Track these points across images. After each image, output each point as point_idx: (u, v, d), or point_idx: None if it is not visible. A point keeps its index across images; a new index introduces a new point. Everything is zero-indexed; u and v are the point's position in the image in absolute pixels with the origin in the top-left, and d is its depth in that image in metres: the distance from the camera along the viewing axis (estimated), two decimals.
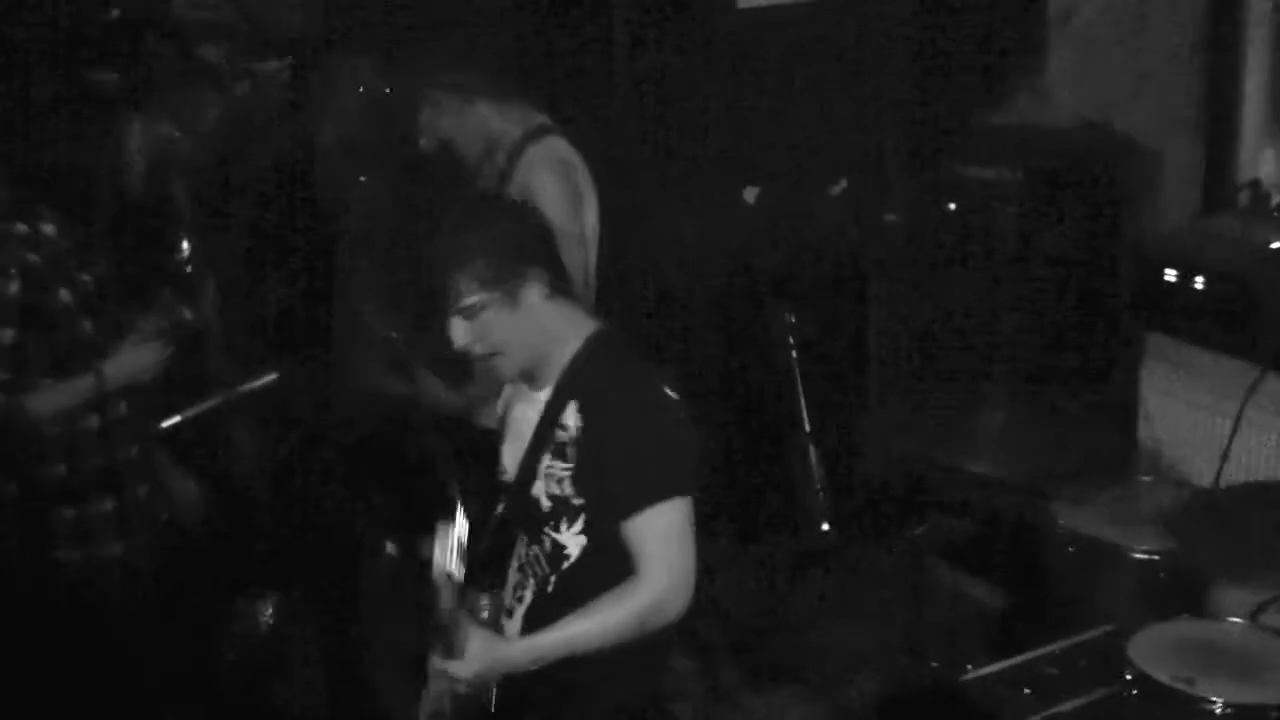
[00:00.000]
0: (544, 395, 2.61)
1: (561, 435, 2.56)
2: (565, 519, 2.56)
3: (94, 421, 3.12)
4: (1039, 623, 3.52)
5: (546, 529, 2.59)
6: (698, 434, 2.57)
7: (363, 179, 3.96)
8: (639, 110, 4.59)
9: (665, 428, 2.55)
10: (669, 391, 2.58)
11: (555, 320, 2.59)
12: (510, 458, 2.69)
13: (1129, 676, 2.95)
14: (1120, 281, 4.42)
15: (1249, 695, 2.85)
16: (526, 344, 2.57)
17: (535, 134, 3.54)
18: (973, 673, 3.17)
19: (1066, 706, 3.05)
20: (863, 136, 4.74)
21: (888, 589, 4.13)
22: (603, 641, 2.49)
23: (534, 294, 2.55)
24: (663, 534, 2.48)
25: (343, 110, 4.04)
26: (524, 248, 2.56)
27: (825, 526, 4.01)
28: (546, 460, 2.57)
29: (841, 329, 4.85)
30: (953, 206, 4.29)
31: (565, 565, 2.57)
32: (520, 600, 2.63)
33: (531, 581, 2.62)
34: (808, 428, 4.12)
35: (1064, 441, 3.91)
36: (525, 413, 2.66)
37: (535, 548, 2.62)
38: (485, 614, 2.60)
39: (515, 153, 3.52)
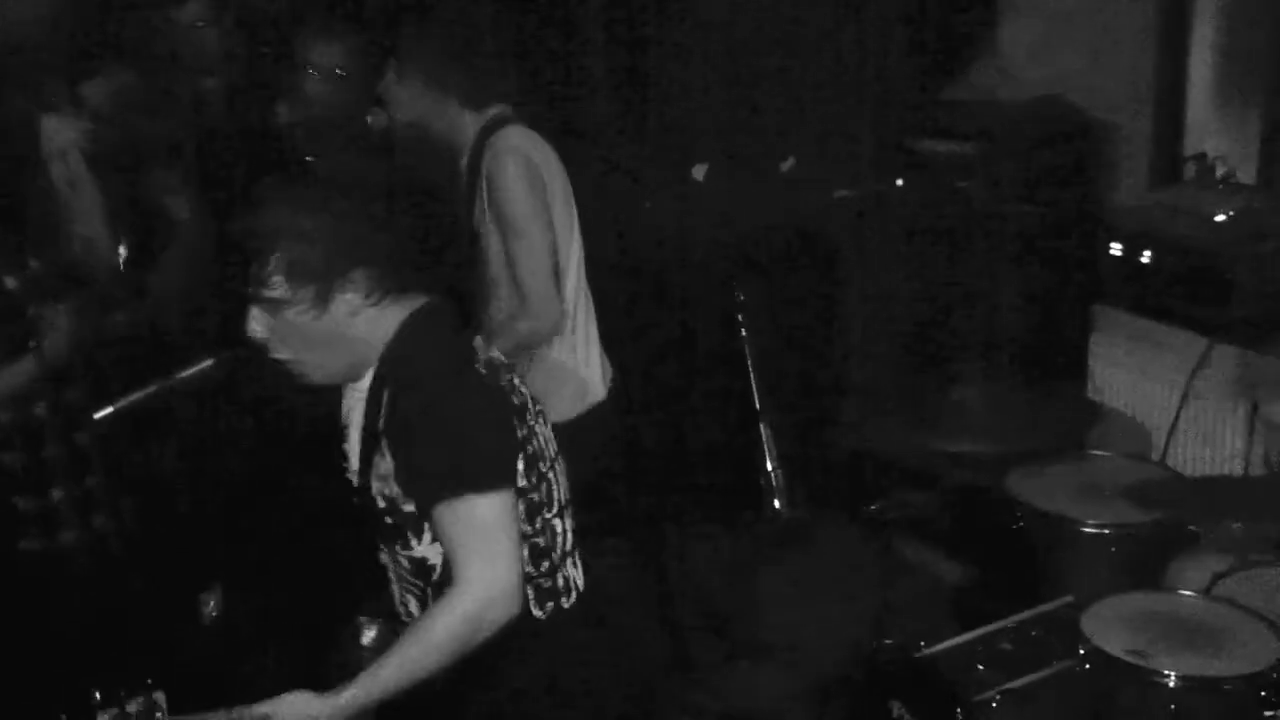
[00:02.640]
0: (365, 386, 2.42)
1: (380, 426, 2.37)
2: (410, 530, 2.39)
3: (43, 409, 3.09)
4: (998, 597, 3.52)
5: (398, 545, 2.43)
6: (511, 422, 2.39)
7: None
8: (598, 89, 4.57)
9: (468, 414, 2.34)
10: (483, 374, 2.40)
11: (370, 325, 2.38)
12: (352, 458, 2.49)
13: (1083, 650, 2.96)
14: (1073, 255, 4.45)
15: (1202, 667, 2.87)
16: (331, 354, 2.38)
17: (492, 126, 3.50)
18: (929, 648, 3.16)
19: (1021, 681, 3.05)
20: (816, 111, 4.72)
21: (849, 565, 4.12)
22: (437, 661, 2.30)
23: (350, 301, 2.35)
24: (471, 531, 2.29)
25: (297, 90, 3.98)
26: (353, 244, 2.34)
27: (778, 505, 4.01)
28: (375, 458, 2.38)
29: (796, 306, 4.85)
30: (899, 183, 4.29)
31: (435, 577, 2.41)
32: (411, 615, 2.47)
33: (411, 597, 2.47)
34: (758, 406, 4.12)
35: (1018, 415, 3.91)
36: (356, 411, 2.46)
37: (401, 559, 2.45)
38: (367, 640, 2.52)
39: (477, 148, 3.48)
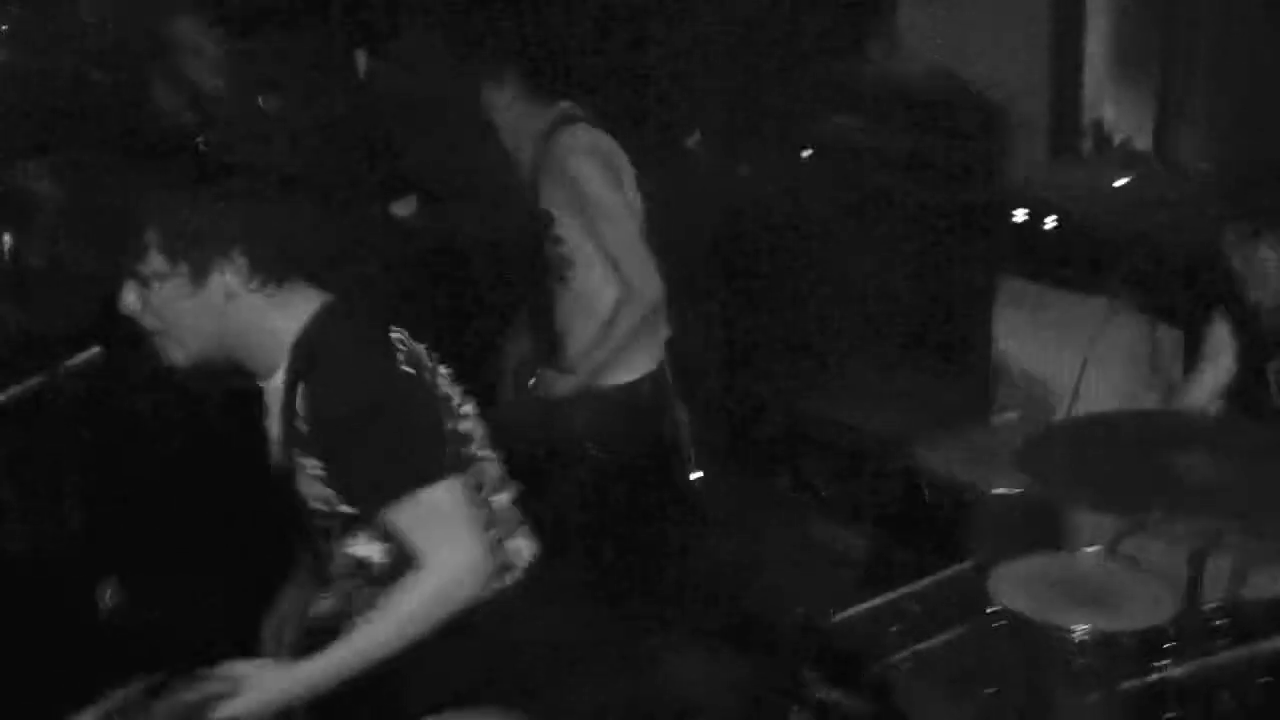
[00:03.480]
0: (279, 382, 2.37)
1: (301, 427, 2.32)
2: (349, 531, 2.38)
3: None
4: (906, 566, 3.56)
5: (335, 543, 2.41)
6: (436, 410, 2.38)
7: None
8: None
9: (399, 408, 2.31)
10: (404, 367, 2.35)
11: (257, 313, 2.33)
12: (275, 454, 2.46)
13: (989, 610, 3.00)
14: (974, 225, 4.51)
15: (1104, 623, 2.92)
16: (203, 332, 2.34)
17: (561, 122, 3.57)
18: (838, 615, 3.19)
19: (931, 642, 3.09)
20: (717, 86, 4.74)
21: (760, 538, 4.15)
22: (399, 641, 2.28)
23: (228, 282, 2.30)
24: (428, 521, 2.28)
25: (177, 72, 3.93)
26: (231, 223, 2.30)
27: (693, 476, 4.01)
28: (298, 457, 2.36)
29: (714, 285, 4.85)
30: (807, 153, 4.32)
31: (374, 573, 2.40)
32: (351, 605, 2.45)
33: (350, 590, 2.45)
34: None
35: (921, 385, 3.96)
36: (272, 406, 2.41)
37: (337, 557, 2.43)
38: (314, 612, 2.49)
39: (542, 143, 3.57)
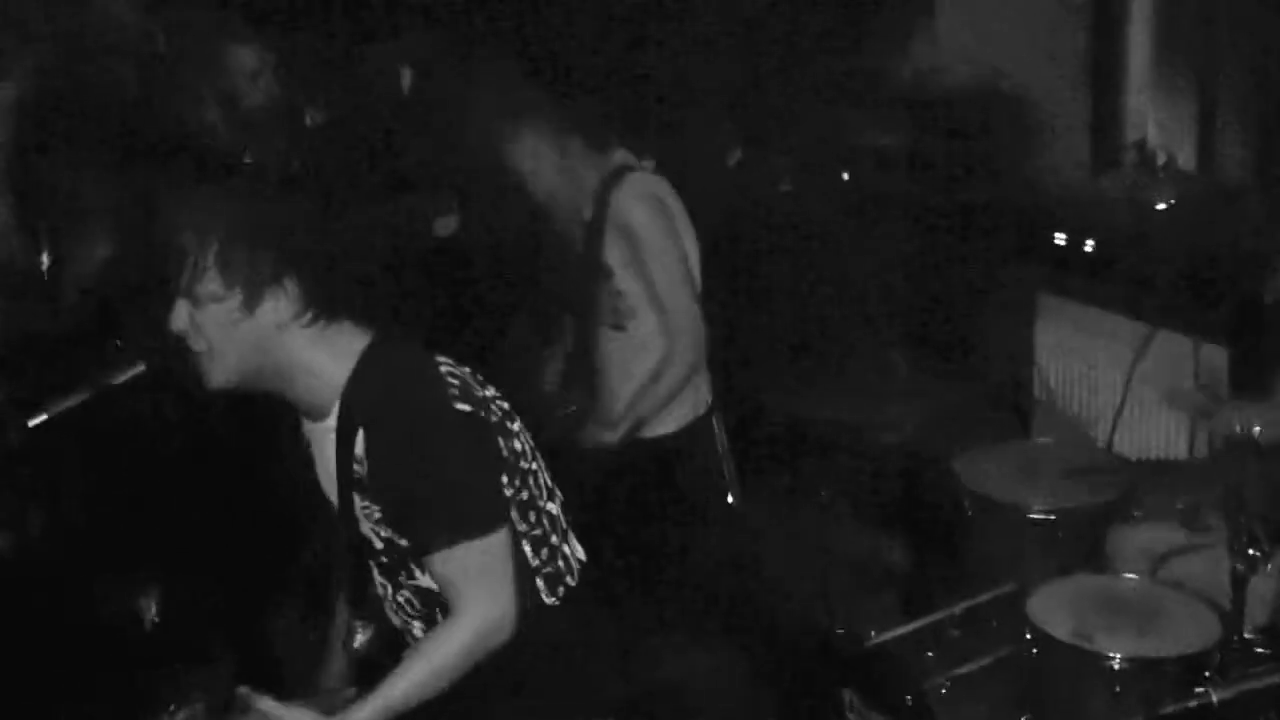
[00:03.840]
0: (331, 425, 2.39)
1: (359, 470, 2.35)
2: (413, 563, 2.40)
3: None
4: (944, 584, 3.55)
5: (401, 575, 2.44)
6: (496, 447, 2.40)
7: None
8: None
9: (455, 457, 2.33)
10: (460, 405, 2.36)
11: (304, 349, 2.35)
12: (329, 493, 2.48)
13: (1028, 635, 2.98)
14: (1014, 242, 4.49)
15: (1145, 648, 2.90)
16: (249, 360, 2.35)
17: (617, 174, 3.59)
18: (879, 636, 3.19)
19: (970, 666, 3.08)
20: (756, 102, 4.74)
21: (797, 549, 4.12)
22: (435, 688, 2.34)
23: (278, 312, 2.32)
24: (472, 571, 2.33)
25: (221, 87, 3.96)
26: (285, 254, 2.32)
27: (731, 499, 4.00)
28: (358, 500, 2.39)
29: (747, 296, 4.83)
30: (846, 176, 4.32)
31: (443, 601, 2.42)
32: (414, 637, 2.50)
33: (416, 623, 2.49)
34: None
35: (963, 403, 3.94)
36: (323, 447, 2.44)
37: (403, 592, 2.47)
38: (357, 644, 2.56)
39: (602, 197, 3.57)
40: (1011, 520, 3.48)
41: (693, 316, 3.58)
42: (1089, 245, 4.29)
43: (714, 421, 3.84)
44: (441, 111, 4.16)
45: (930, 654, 3.14)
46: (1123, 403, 4.09)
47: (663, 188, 3.64)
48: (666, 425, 3.67)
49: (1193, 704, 2.75)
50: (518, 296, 4.13)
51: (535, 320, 4.06)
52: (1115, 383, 4.17)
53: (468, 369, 2.48)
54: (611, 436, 3.62)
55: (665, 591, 3.41)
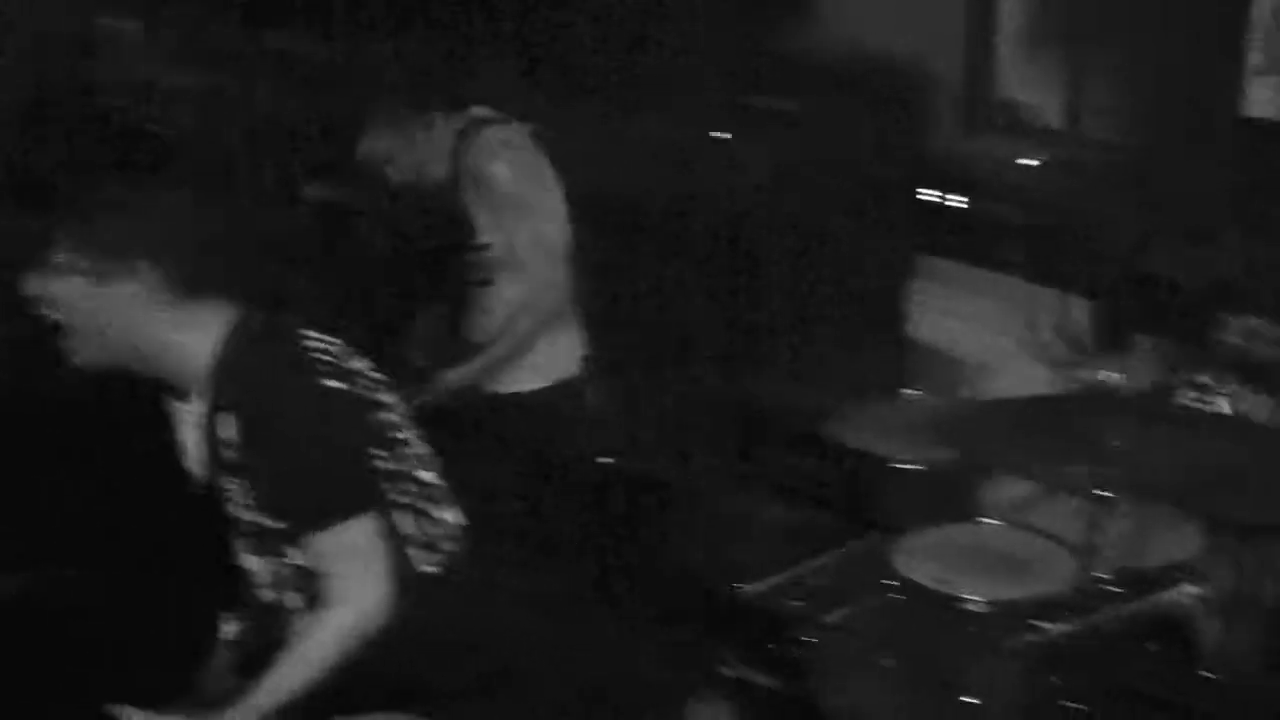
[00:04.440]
0: (196, 407, 2.37)
1: (228, 454, 2.32)
2: (284, 544, 2.38)
3: None
4: (817, 536, 3.57)
5: (273, 555, 2.41)
6: (368, 424, 2.38)
7: None
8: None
9: (327, 438, 2.32)
10: (328, 383, 2.34)
11: (167, 330, 2.32)
12: (197, 474, 2.45)
13: (893, 582, 3.02)
14: (891, 203, 4.54)
15: (1007, 592, 2.94)
16: (109, 337, 2.31)
17: (472, 128, 3.53)
18: (748, 587, 3.20)
19: (838, 615, 3.11)
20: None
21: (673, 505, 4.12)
22: (313, 677, 2.32)
23: (135, 289, 2.28)
24: (344, 553, 2.32)
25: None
26: (138, 237, 2.28)
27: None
28: (227, 481, 2.36)
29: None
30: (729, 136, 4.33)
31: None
32: (286, 610, 2.45)
33: (293, 594, 2.44)
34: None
35: (838, 359, 3.98)
36: (190, 427, 2.41)
37: (276, 568, 2.42)
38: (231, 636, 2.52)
39: (457, 151, 3.52)
40: (883, 472, 3.51)
41: (553, 268, 3.55)
42: (962, 203, 4.34)
43: (589, 383, 3.82)
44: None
45: (800, 603, 3.16)
46: (994, 356, 4.15)
47: (523, 139, 3.59)
48: (532, 381, 3.63)
49: (1047, 642, 2.83)
50: (397, 259, 4.09)
51: (418, 283, 4.02)
52: (988, 337, 4.23)
53: (339, 341, 2.45)
54: (453, 382, 3.56)
55: (536, 551, 3.39)
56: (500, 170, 3.50)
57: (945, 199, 4.39)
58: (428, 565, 2.49)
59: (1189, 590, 2.11)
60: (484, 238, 3.56)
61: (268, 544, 2.41)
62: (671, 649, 3.35)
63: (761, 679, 3.12)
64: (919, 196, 4.46)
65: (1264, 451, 2.85)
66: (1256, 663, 3.07)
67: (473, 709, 2.50)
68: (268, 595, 2.48)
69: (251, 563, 2.47)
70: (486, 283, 3.60)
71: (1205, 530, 3.11)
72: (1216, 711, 2.83)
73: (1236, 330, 3.25)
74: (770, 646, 3.09)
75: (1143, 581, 2.92)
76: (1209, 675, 3.02)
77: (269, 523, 2.37)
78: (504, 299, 3.58)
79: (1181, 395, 3.24)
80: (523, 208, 3.51)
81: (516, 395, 3.62)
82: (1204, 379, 3.30)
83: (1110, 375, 3.48)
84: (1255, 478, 2.77)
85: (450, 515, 2.56)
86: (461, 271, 3.62)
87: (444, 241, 3.59)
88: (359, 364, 2.46)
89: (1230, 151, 3.81)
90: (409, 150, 3.56)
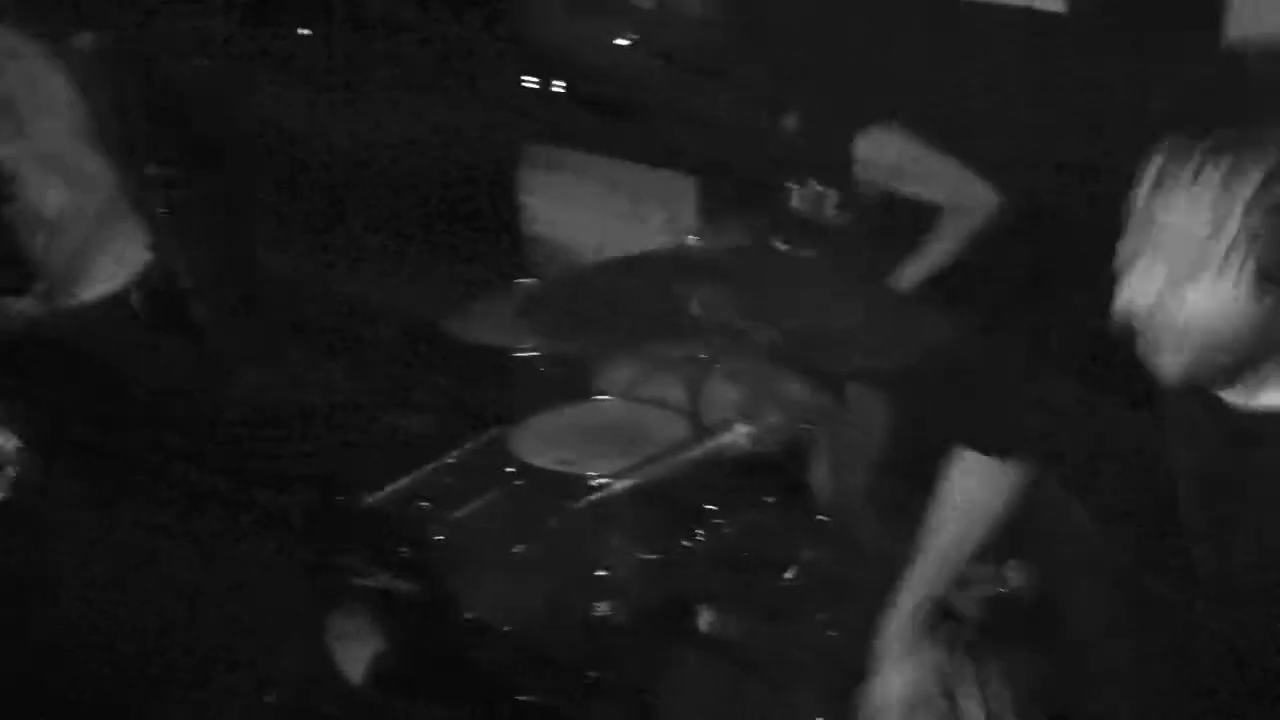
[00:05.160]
0: None
1: None
2: None
3: None
4: (441, 437, 3.53)
5: None
6: None
7: None
8: None
9: None
10: None
11: None
12: None
13: (513, 469, 3.03)
14: (489, 90, 4.47)
15: (625, 465, 3.00)
16: None
17: None
18: (372, 498, 3.15)
19: (464, 510, 3.10)
20: None
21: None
22: None
23: None
24: None
25: None
26: None
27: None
28: None
29: None
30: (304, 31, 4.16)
31: None
32: None
33: None
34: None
35: (451, 258, 3.93)
36: None
37: None
38: None
39: None
40: (500, 362, 3.50)
41: (91, 160, 3.30)
42: (561, 87, 4.33)
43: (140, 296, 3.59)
44: None
45: (426, 504, 3.13)
46: (605, 240, 4.18)
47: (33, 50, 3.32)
48: (85, 291, 3.34)
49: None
50: None
51: None
52: (603, 221, 4.26)
53: None
54: (26, 309, 3.27)
55: (118, 466, 3.20)
56: (10, 77, 3.20)
57: (549, 85, 4.36)
58: None
59: (741, 430, 2.20)
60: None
61: None
62: (303, 564, 3.27)
63: (398, 584, 3.08)
64: (523, 83, 4.41)
65: (844, 305, 2.99)
66: (867, 510, 3.25)
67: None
68: None
69: None
70: (7, 195, 3.33)
71: (812, 384, 3.26)
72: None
73: (800, 197, 3.39)
74: (402, 550, 3.04)
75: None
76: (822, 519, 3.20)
77: None
78: (48, 207, 3.33)
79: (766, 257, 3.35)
80: (30, 112, 3.24)
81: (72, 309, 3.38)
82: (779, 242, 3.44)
83: (696, 240, 3.53)
84: (841, 330, 2.91)
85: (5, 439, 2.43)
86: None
87: None
88: None
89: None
90: None
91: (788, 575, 3.24)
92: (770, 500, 3.25)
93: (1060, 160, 3.35)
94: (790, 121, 3.41)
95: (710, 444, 2.18)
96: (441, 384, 3.61)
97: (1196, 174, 1.42)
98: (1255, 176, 1.39)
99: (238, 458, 3.37)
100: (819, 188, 3.37)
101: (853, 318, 2.97)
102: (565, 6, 4.76)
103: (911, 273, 3.32)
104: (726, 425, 2.21)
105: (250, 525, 3.30)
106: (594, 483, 2.92)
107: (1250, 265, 1.41)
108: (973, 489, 1.95)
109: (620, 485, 2.65)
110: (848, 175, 3.32)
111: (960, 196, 3.31)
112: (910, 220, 3.36)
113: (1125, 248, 1.50)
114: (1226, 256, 1.42)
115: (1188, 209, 1.43)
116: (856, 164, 3.31)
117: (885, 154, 3.31)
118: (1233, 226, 1.41)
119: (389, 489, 3.18)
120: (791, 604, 3.24)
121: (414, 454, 3.38)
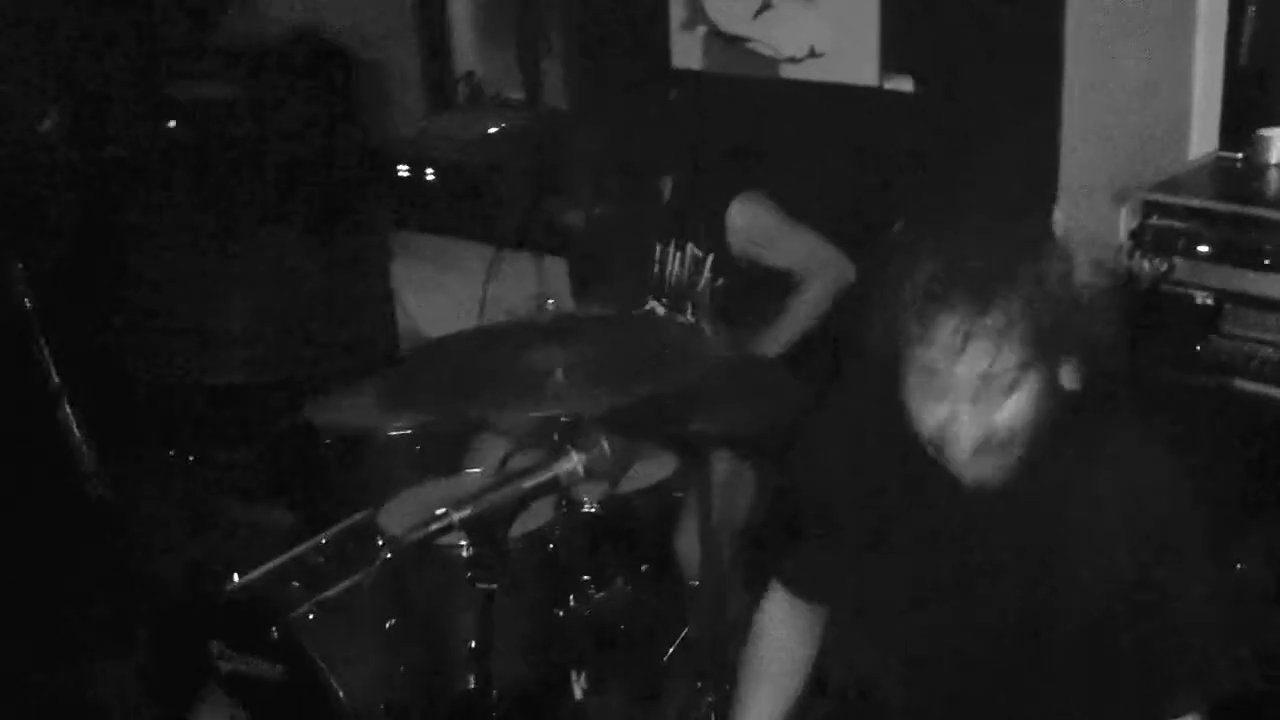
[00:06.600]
0: None
1: None
2: None
3: None
4: (324, 524, 3.50)
5: None
6: None
7: None
8: None
9: None
10: None
11: None
12: None
13: (380, 543, 3.01)
14: (360, 185, 4.52)
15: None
16: None
17: None
18: (239, 581, 3.10)
19: (334, 590, 3.06)
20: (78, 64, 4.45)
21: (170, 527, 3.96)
22: None
23: None
24: None
25: None
26: None
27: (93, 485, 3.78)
28: None
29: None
30: (173, 124, 4.17)
31: None
32: None
33: None
34: (56, 380, 3.88)
35: (320, 344, 3.92)
36: None
37: None
38: None
39: None
40: (371, 445, 3.49)
41: None
42: (430, 176, 4.38)
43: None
44: None
45: (296, 584, 3.08)
46: (480, 322, 4.21)
47: None
48: None
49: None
50: None
51: None
52: (470, 305, 4.29)
53: None
54: None
55: None
56: None
57: (410, 174, 4.41)
58: None
59: (572, 459, 2.22)
60: None
61: None
62: (164, 653, 3.19)
63: (265, 668, 3.02)
64: (390, 175, 4.46)
65: (709, 369, 3.02)
66: (733, 576, 3.26)
67: None
68: None
69: None
70: None
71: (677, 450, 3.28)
72: None
73: (663, 258, 3.46)
74: (269, 633, 2.99)
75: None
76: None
77: None
78: None
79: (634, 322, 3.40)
80: None
81: None
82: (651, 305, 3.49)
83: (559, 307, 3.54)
84: (701, 396, 2.94)
85: None
86: None
87: None
88: None
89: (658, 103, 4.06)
90: None
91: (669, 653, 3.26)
92: (643, 569, 3.27)
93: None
94: (667, 188, 3.49)
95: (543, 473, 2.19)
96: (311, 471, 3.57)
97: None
98: None
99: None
100: (697, 252, 3.45)
101: (718, 382, 3.01)
102: (429, 101, 4.85)
103: (772, 339, 3.39)
104: (563, 453, 2.22)
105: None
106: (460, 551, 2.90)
107: None
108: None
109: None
110: (722, 240, 3.41)
111: (815, 264, 3.40)
112: (776, 287, 3.45)
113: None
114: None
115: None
116: (728, 230, 3.40)
117: (751, 222, 3.40)
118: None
119: (255, 572, 3.12)
120: (671, 682, 3.24)
121: (284, 539, 3.34)
